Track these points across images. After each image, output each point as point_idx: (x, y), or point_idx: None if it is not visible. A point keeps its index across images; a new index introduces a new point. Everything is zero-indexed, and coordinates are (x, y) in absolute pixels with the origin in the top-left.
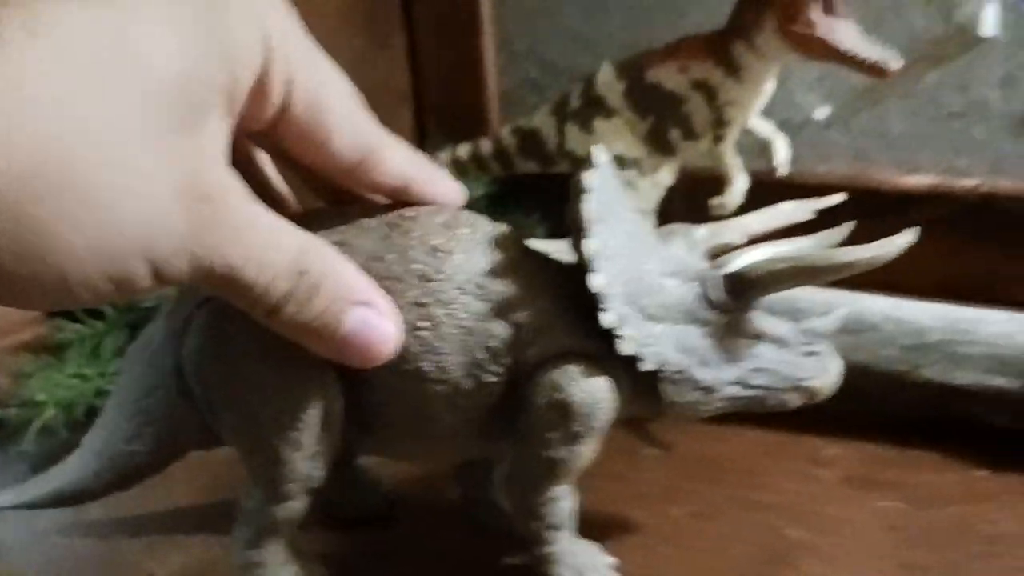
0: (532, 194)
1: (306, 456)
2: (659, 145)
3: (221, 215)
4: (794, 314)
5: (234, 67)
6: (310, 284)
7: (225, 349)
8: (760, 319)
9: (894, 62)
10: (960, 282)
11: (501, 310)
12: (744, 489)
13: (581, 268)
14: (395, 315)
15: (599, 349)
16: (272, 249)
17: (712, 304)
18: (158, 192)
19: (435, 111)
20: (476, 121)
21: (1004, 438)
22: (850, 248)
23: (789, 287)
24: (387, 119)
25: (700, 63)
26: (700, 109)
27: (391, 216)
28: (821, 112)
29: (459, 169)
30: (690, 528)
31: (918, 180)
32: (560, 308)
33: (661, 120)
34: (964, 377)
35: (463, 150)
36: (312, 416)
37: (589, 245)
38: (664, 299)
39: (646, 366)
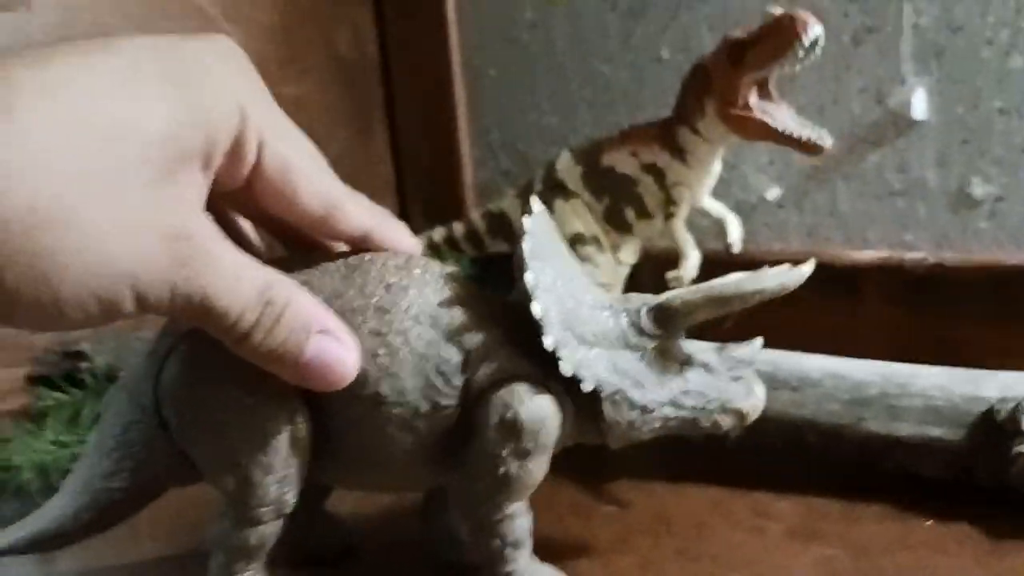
0: (504, 273)
1: (276, 479)
2: (616, 224)
3: (197, 252)
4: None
5: (211, 131)
6: (274, 313)
7: (199, 376)
8: (688, 346)
9: (826, 139)
10: (908, 349)
11: (452, 337)
12: (691, 542)
13: (523, 299)
14: (352, 341)
15: (542, 373)
16: (241, 281)
17: (641, 331)
18: (144, 231)
19: (418, 199)
20: (455, 208)
21: (946, 491)
22: (757, 276)
23: (708, 315)
24: None
25: (649, 148)
26: (651, 190)
27: (351, 259)
28: (772, 193)
29: (434, 251)
30: None
31: (868, 255)
32: (505, 336)
33: (616, 201)
34: (903, 428)
35: (438, 234)
36: (281, 440)
37: (528, 278)
38: (597, 327)
39: (585, 386)
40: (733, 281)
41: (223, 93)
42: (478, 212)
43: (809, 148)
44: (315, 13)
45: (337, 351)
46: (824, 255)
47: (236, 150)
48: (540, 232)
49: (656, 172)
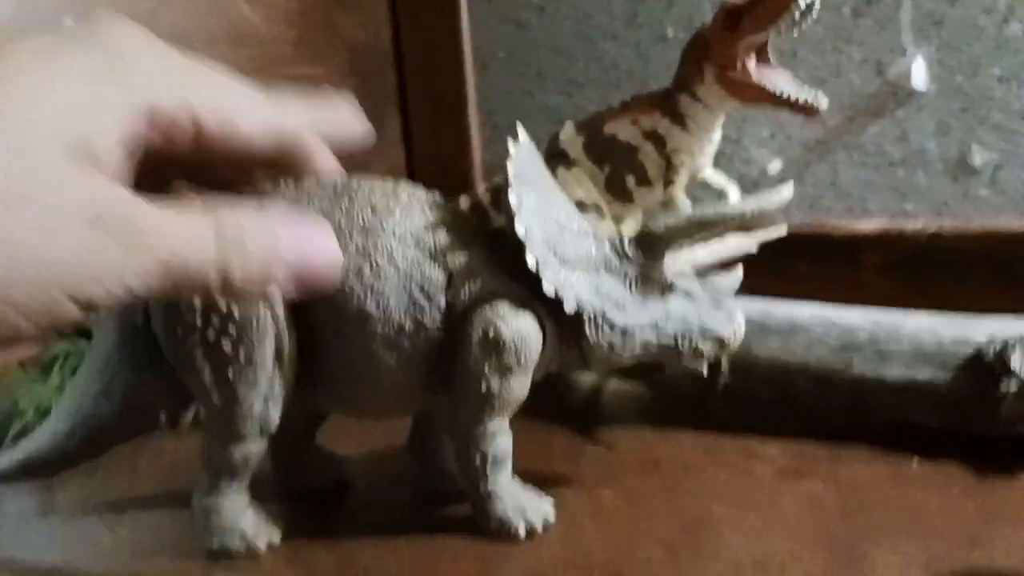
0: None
1: (260, 395)
2: (617, 192)
3: (136, 226)
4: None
5: (126, 114)
6: (235, 240)
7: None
8: (670, 273)
9: (822, 101)
10: None
11: (436, 257)
12: (677, 480)
13: (507, 220)
14: (319, 222)
15: (526, 293)
16: (191, 229)
17: (624, 256)
18: (72, 225)
19: (428, 183)
20: (466, 190)
21: (934, 436)
22: (739, 202)
23: (691, 240)
24: None
25: (650, 115)
26: (652, 157)
27: (338, 184)
28: (774, 166)
29: None
30: (618, 509)
31: (868, 225)
32: (489, 258)
33: (617, 169)
34: (892, 372)
35: None
36: (267, 356)
37: (511, 198)
38: (581, 250)
39: (567, 307)
40: (715, 206)
41: (134, 73)
42: (483, 187)
43: (806, 110)
44: None
45: (310, 237)
46: (825, 226)
47: (166, 119)
48: (525, 158)
49: (656, 139)
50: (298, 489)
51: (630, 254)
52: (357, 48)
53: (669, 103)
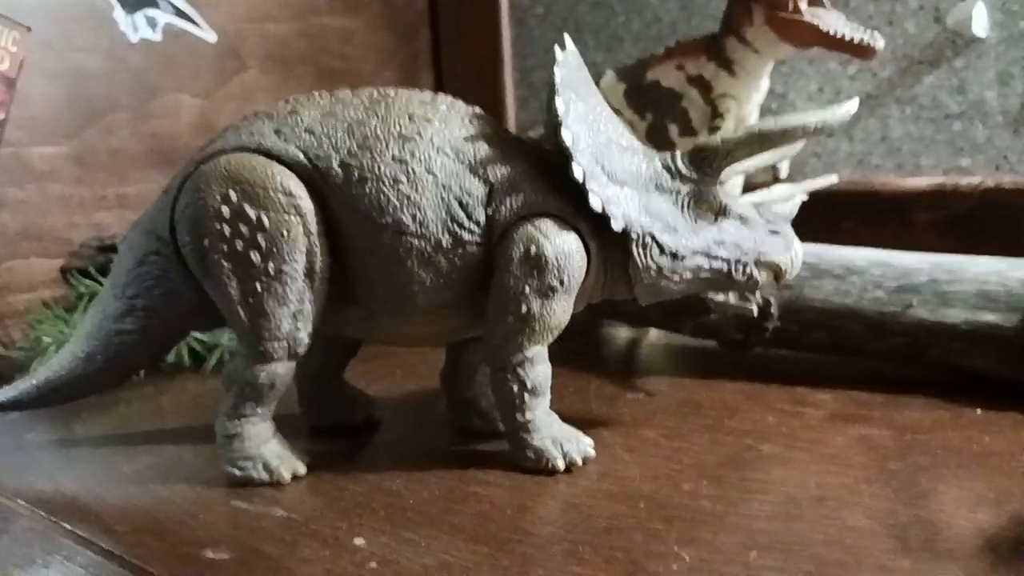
0: None
1: (290, 313)
2: (659, 142)
3: None
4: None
5: None
6: None
7: (215, 200)
8: (725, 196)
9: (879, 41)
10: None
11: (475, 170)
12: (719, 420)
13: (553, 128)
14: None
15: (570, 210)
16: None
17: (677, 174)
18: None
19: None
20: None
21: (995, 386)
22: (800, 114)
23: (748, 154)
24: None
25: (695, 60)
26: (696, 103)
27: (375, 94)
28: None
29: None
30: (658, 444)
31: (920, 182)
32: (532, 171)
33: (660, 117)
34: (953, 315)
35: None
36: (297, 269)
37: (558, 104)
38: (630, 165)
39: (614, 225)
40: (774, 119)
41: None
42: (524, 136)
43: (862, 51)
44: None
45: None
46: (874, 184)
47: None
48: (573, 65)
49: (702, 84)
50: (326, 425)
51: (684, 171)
52: (394, 3)
53: (716, 47)
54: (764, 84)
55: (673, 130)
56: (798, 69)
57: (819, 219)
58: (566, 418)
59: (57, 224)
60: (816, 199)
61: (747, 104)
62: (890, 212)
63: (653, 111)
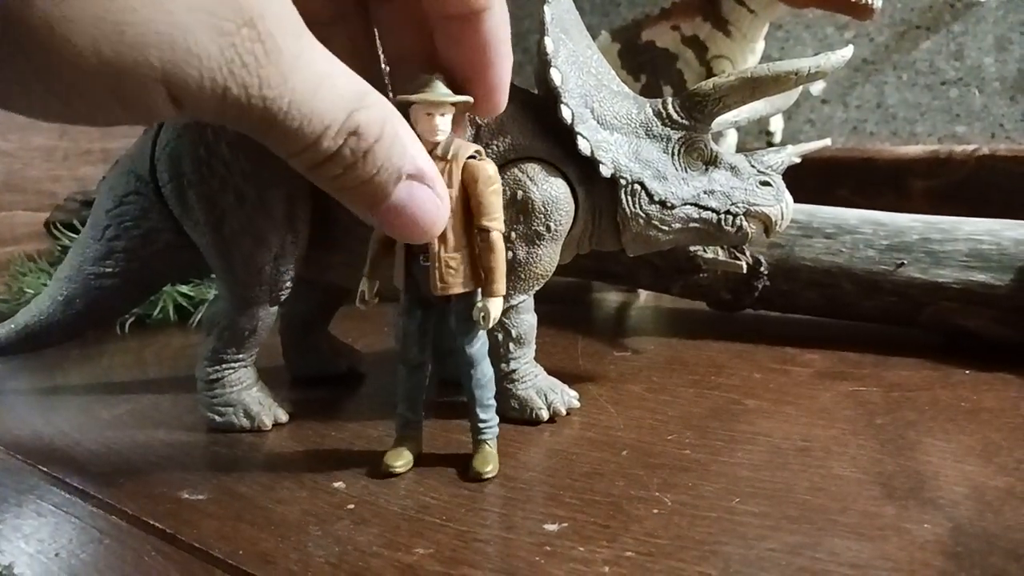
0: None
1: (271, 256)
2: None
3: (265, 46)
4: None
5: None
6: (362, 148)
7: (196, 139)
8: (715, 145)
9: (877, 0)
10: None
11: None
12: (707, 377)
13: (541, 68)
14: (444, 191)
15: (559, 154)
16: (323, 97)
17: (668, 120)
18: (190, 4)
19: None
20: None
21: (985, 348)
22: (793, 60)
23: (741, 100)
24: None
25: (691, 20)
26: (691, 64)
27: None
28: (817, 87)
29: None
30: (643, 398)
31: (915, 149)
32: (519, 114)
33: (654, 78)
34: (945, 274)
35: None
36: (279, 211)
37: (547, 43)
38: (620, 110)
39: (603, 170)
40: (767, 64)
41: None
42: None
43: (860, 11)
44: None
45: (427, 201)
46: (869, 151)
47: None
48: (563, 7)
49: (697, 45)
50: (310, 376)
51: (675, 117)
52: None
53: (711, 8)
54: (759, 47)
55: (667, 91)
56: (794, 35)
57: (813, 187)
58: (552, 373)
59: (40, 176)
60: (810, 166)
61: (742, 66)
62: (885, 180)
63: (648, 72)
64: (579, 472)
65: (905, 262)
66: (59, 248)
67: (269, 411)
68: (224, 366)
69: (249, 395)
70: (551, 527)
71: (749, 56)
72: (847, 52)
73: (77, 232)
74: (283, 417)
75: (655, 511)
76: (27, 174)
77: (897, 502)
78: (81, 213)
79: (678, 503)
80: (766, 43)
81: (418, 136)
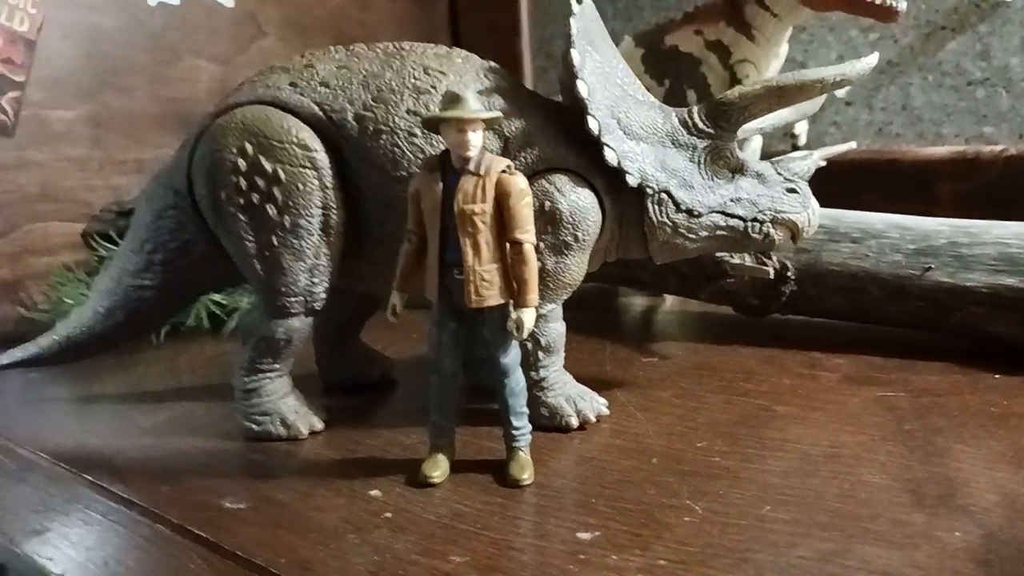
0: None
1: (306, 268)
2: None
3: None
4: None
5: None
6: None
7: (232, 153)
8: (741, 153)
9: (902, 2)
10: None
11: (489, 123)
12: (736, 383)
13: (568, 80)
14: None
15: (585, 165)
16: None
17: (693, 128)
18: None
19: None
20: None
21: (1013, 353)
22: (819, 68)
23: (766, 109)
24: None
25: (714, 25)
26: (715, 69)
27: (390, 47)
28: (842, 90)
29: None
30: (672, 404)
31: (941, 151)
32: (546, 125)
33: (678, 83)
34: (974, 279)
35: None
36: (312, 223)
37: (573, 56)
38: (646, 119)
39: (630, 180)
40: (792, 73)
41: None
42: None
43: (885, 13)
44: None
45: None
46: (894, 153)
47: None
48: (589, 17)
49: (721, 49)
50: (343, 383)
51: (701, 126)
52: None
53: (735, 12)
54: (783, 50)
55: (691, 96)
56: (818, 37)
57: (838, 190)
58: (580, 380)
59: (75, 187)
60: (835, 169)
61: (766, 70)
62: (911, 182)
63: (671, 77)
64: (610, 480)
65: (932, 266)
66: (96, 258)
67: (305, 419)
68: (261, 376)
69: (285, 404)
70: (584, 535)
71: (773, 60)
72: (872, 59)
73: (113, 242)
74: (319, 425)
75: (686, 519)
76: (62, 184)
77: (927, 509)
78: (117, 223)
79: (709, 511)
80: (790, 46)
81: (450, 151)
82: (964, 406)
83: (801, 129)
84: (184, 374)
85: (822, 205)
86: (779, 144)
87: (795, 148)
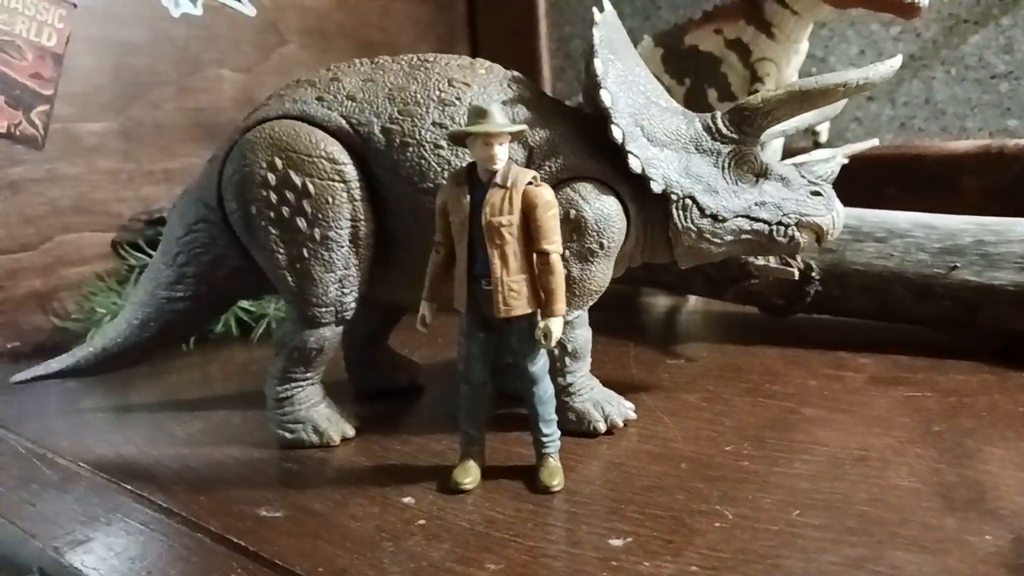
0: None
1: (336, 278)
2: (699, 107)
3: None
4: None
5: None
6: None
7: (261, 168)
8: (765, 157)
9: None
10: None
11: (515, 136)
12: (762, 385)
13: (591, 89)
14: None
15: (610, 173)
16: None
17: (717, 134)
18: None
19: None
20: None
21: None
22: (841, 72)
23: (789, 113)
24: None
25: (734, 24)
26: (735, 68)
27: (414, 60)
28: None
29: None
30: (699, 408)
31: (965, 145)
32: (570, 134)
33: (698, 82)
34: (1001, 277)
35: None
36: (342, 235)
37: (597, 65)
38: (669, 126)
39: (654, 187)
40: (815, 77)
41: None
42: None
43: (906, 9)
44: None
45: None
46: (918, 148)
47: None
48: (612, 25)
49: (741, 48)
50: (373, 390)
51: (724, 131)
52: None
53: (754, 10)
54: (803, 47)
55: (712, 95)
56: (839, 32)
57: (861, 187)
58: (606, 383)
59: (106, 198)
60: (857, 165)
61: (787, 68)
62: (935, 177)
63: (692, 76)
64: (639, 485)
65: (958, 265)
66: (126, 267)
67: (337, 427)
68: (293, 384)
69: (317, 412)
70: (616, 542)
71: (793, 57)
72: (896, 61)
73: (143, 251)
74: (350, 432)
75: (717, 524)
76: (94, 196)
77: (957, 513)
78: (145, 232)
79: (739, 516)
80: (810, 43)
81: (477, 164)
82: (993, 406)
83: (822, 127)
84: (216, 382)
85: (846, 204)
86: (800, 141)
87: (816, 145)
